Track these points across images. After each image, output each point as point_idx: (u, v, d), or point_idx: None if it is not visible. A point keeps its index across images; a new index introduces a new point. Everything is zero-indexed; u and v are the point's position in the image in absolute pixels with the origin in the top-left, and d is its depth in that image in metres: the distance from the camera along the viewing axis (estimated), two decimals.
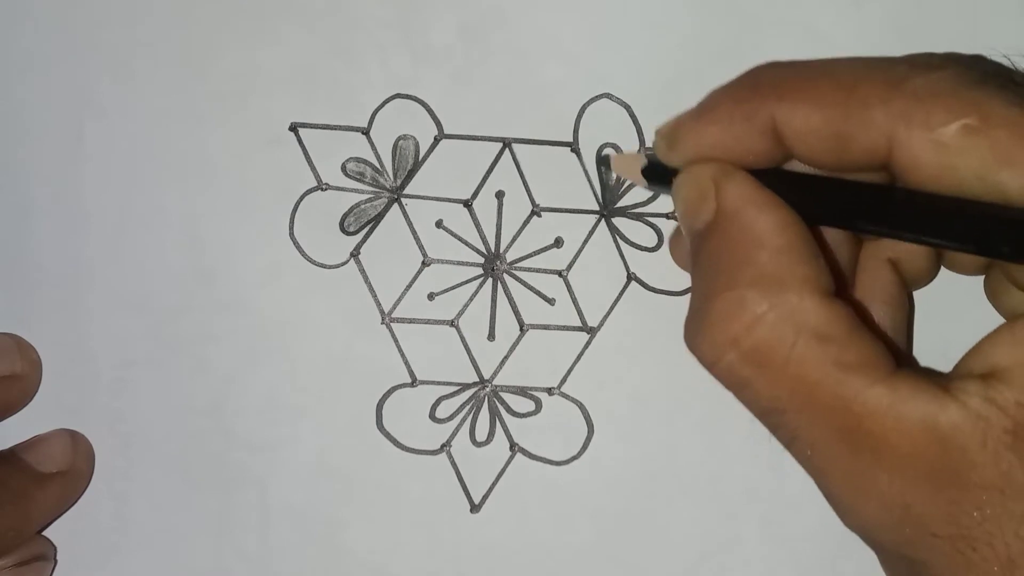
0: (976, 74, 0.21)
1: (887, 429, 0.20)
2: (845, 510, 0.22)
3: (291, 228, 0.33)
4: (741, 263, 0.22)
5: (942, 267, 0.27)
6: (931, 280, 0.27)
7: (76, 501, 0.33)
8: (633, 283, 0.33)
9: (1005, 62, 0.22)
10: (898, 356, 0.22)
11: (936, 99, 0.20)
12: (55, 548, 0.33)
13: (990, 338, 0.21)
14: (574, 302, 0.33)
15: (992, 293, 0.25)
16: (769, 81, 0.23)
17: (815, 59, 0.23)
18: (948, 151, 0.20)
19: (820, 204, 0.23)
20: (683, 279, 0.33)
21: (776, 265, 0.21)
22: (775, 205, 0.22)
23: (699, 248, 0.23)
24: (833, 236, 0.26)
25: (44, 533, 0.33)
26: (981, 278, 0.26)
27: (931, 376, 0.21)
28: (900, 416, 0.20)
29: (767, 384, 0.21)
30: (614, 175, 0.33)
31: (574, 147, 0.33)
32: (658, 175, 0.25)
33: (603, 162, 0.32)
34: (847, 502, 0.21)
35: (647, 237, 0.33)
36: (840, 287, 0.24)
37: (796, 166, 0.24)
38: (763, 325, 0.21)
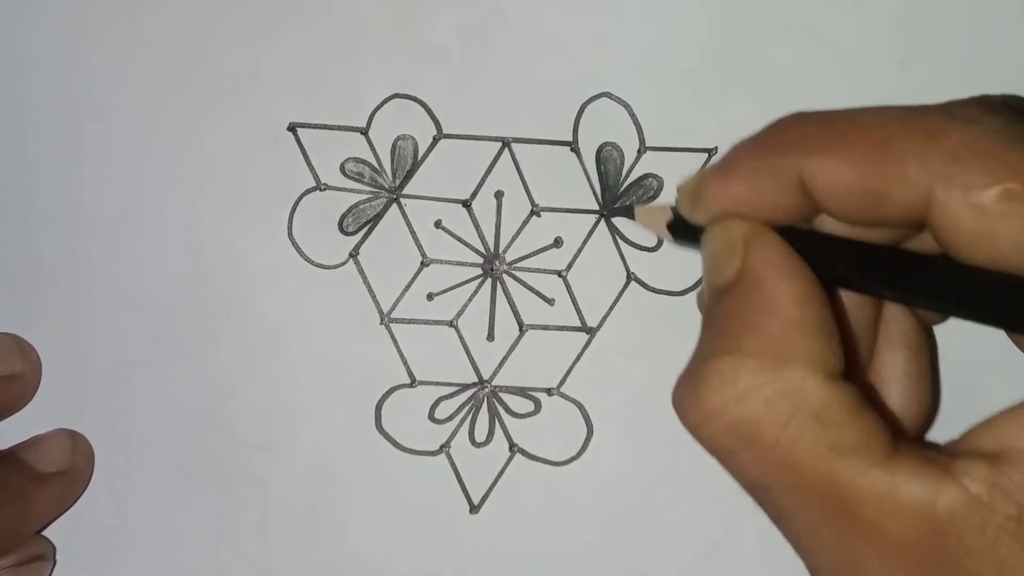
0: (1019, 128, 0.20)
1: (880, 514, 0.19)
2: None
3: (290, 228, 0.33)
4: (749, 329, 0.21)
5: None
6: (947, 319, 0.27)
7: (76, 501, 0.33)
8: (633, 283, 0.33)
9: None
10: (897, 433, 0.21)
11: (976, 158, 0.19)
12: (54, 548, 0.33)
13: (1004, 414, 0.20)
14: (573, 302, 0.33)
15: (1017, 340, 0.25)
16: (795, 134, 0.22)
17: (844, 109, 0.22)
18: (987, 216, 0.19)
19: (852, 269, 0.22)
20: (683, 279, 0.33)
21: (785, 338, 0.21)
22: (800, 276, 0.21)
23: (714, 305, 0.22)
24: (859, 301, 0.25)
25: (43, 533, 0.33)
26: None
27: (932, 456, 0.20)
28: (895, 501, 0.19)
29: (753, 459, 0.21)
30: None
31: (574, 147, 0.33)
32: (684, 230, 0.25)
33: (626, 212, 0.32)
34: None
35: (647, 237, 0.33)
36: (852, 361, 0.23)
37: (827, 223, 0.23)
38: (756, 398, 0.20)
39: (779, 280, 0.21)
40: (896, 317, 0.25)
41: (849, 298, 0.24)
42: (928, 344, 0.26)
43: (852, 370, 0.24)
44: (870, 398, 0.21)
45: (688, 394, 0.21)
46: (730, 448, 0.21)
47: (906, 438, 0.24)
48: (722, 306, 0.22)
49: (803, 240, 0.22)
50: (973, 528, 0.19)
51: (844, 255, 0.22)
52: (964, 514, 0.19)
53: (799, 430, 0.20)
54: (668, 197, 0.33)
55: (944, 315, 0.26)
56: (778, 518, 0.21)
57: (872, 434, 0.20)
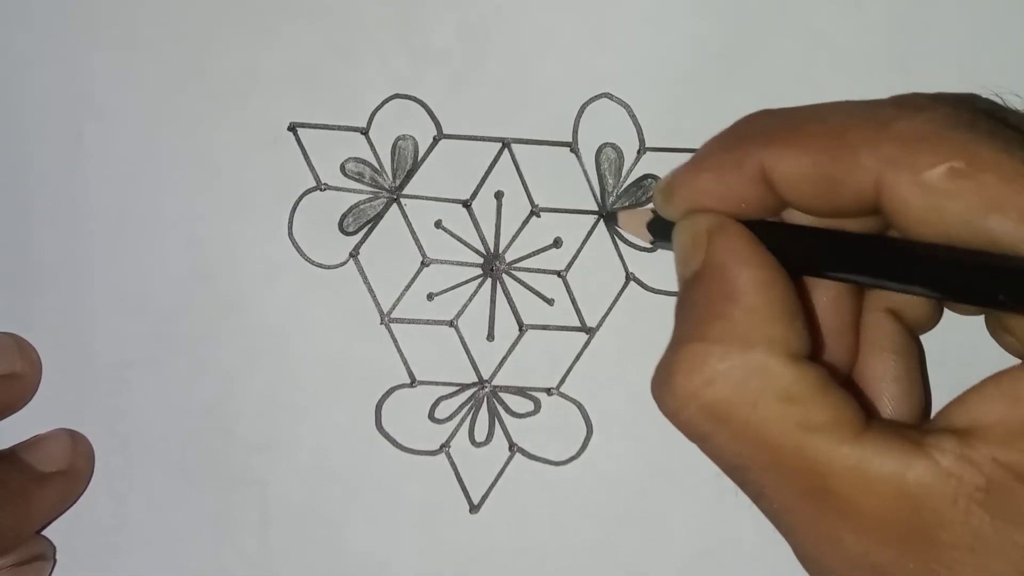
0: (966, 116, 0.20)
1: (853, 489, 0.20)
2: (813, 568, 0.21)
3: (290, 228, 0.33)
4: (714, 316, 0.22)
5: (945, 309, 0.27)
6: (936, 324, 0.27)
7: (76, 501, 0.33)
8: (632, 283, 0.33)
9: (997, 100, 0.22)
10: (871, 413, 0.21)
11: (922, 142, 0.20)
12: (54, 548, 0.33)
13: (973, 391, 0.21)
14: (573, 302, 0.33)
15: (993, 332, 0.25)
16: (757, 128, 0.23)
17: (804, 105, 0.23)
18: (935, 194, 0.20)
19: (814, 255, 0.23)
20: None
21: (747, 323, 0.21)
22: (761, 263, 0.22)
23: (683, 295, 0.23)
24: (838, 293, 0.25)
25: (43, 533, 0.33)
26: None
27: (904, 432, 0.20)
28: (867, 476, 0.20)
29: (729, 440, 0.21)
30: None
31: (573, 147, 0.33)
32: (662, 230, 0.25)
33: (611, 219, 0.32)
34: (815, 561, 0.21)
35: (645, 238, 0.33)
36: (818, 348, 0.24)
37: (794, 216, 0.24)
38: (724, 382, 0.21)
39: (741, 268, 0.22)
40: (880, 322, 0.26)
41: (824, 295, 0.25)
42: (915, 348, 0.27)
43: (820, 356, 0.24)
44: (842, 382, 0.22)
45: (662, 383, 0.22)
46: (706, 431, 0.22)
47: (879, 418, 0.24)
48: (689, 296, 0.23)
49: (768, 232, 0.23)
50: (944, 500, 0.19)
51: (807, 242, 0.23)
52: (935, 486, 0.19)
53: (767, 409, 0.21)
54: None
55: (934, 319, 0.27)
56: (758, 497, 0.22)
57: (841, 412, 0.21)
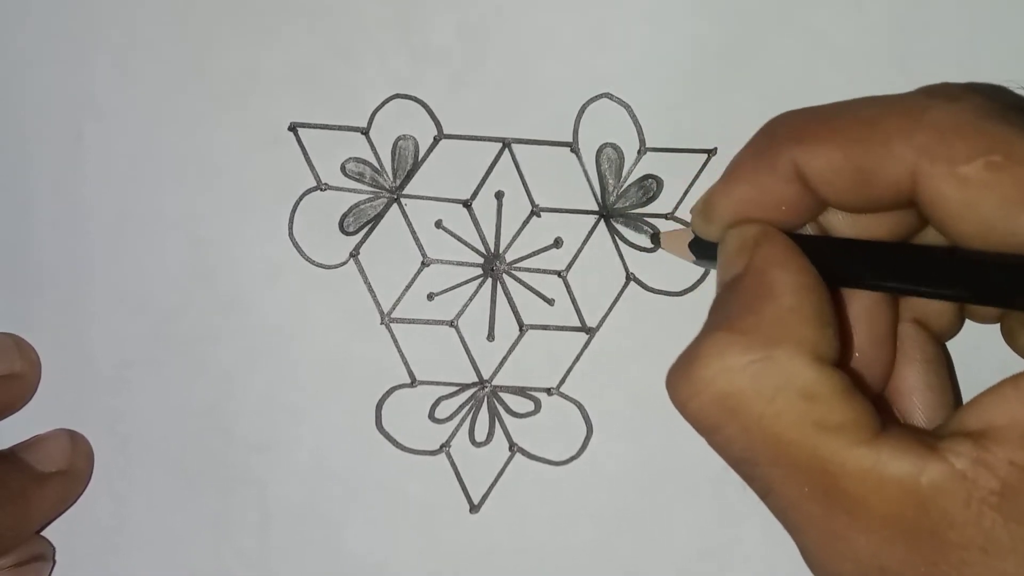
0: (997, 107, 0.20)
1: (865, 490, 0.20)
2: (819, 567, 0.21)
3: (290, 228, 0.33)
4: (745, 311, 0.22)
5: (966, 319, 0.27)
6: (957, 332, 0.27)
7: (75, 501, 0.33)
8: (632, 283, 0.33)
9: (1022, 93, 0.22)
10: (890, 419, 0.21)
11: (958, 132, 0.20)
12: (54, 548, 0.33)
13: (988, 393, 0.20)
14: (573, 302, 0.33)
15: (1009, 338, 0.25)
16: (786, 127, 0.23)
17: (832, 103, 0.23)
18: (972, 187, 0.20)
19: (852, 264, 0.23)
20: (682, 280, 0.33)
21: (778, 320, 0.21)
22: (800, 268, 0.22)
23: (719, 296, 0.23)
24: (874, 304, 0.25)
25: (43, 533, 0.33)
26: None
27: (920, 436, 0.20)
28: (880, 477, 0.20)
29: (738, 433, 0.21)
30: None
31: (574, 147, 0.33)
32: (704, 248, 0.26)
33: (654, 240, 0.32)
34: (821, 560, 0.21)
35: (646, 238, 0.33)
36: (847, 358, 0.24)
37: (834, 221, 0.24)
38: (743, 373, 0.21)
39: (780, 271, 0.22)
40: (908, 332, 0.26)
41: (861, 305, 0.25)
42: (944, 356, 0.27)
43: (847, 365, 0.24)
44: (863, 390, 0.22)
45: (680, 370, 0.22)
46: (716, 423, 0.21)
47: (895, 422, 0.24)
48: (726, 296, 0.23)
49: (808, 244, 0.23)
50: (957, 502, 0.19)
51: (845, 252, 0.23)
52: (948, 488, 0.19)
53: (785, 405, 0.21)
54: (667, 198, 0.33)
55: (957, 327, 0.27)
56: (765, 494, 0.22)
57: (859, 415, 0.21)
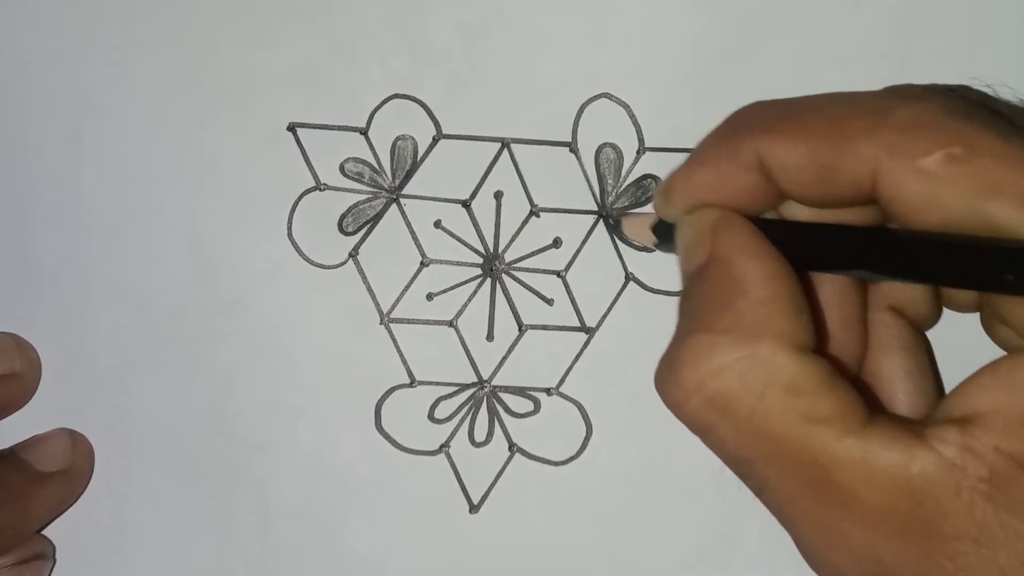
0: (961, 104, 0.21)
1: (857, 482, 0.20)
2: (816, 562, 0.21)
3: (289, 228, 0.33)
4: (720, 308, 0.22)
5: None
6: (936, 321, 0.27)
7: (75, 500, 0.33)
8: (631, 283, 0.33)
9: (988, 91, 0.22)
10: (876, 407, 0.21)
11: (920, 129, 0.20)
12: (54, 547, 0.33)
13: (971, 380, 0.20)
14: (572, 302, 0.33)
15: (988, 328, 0.25)
16: (752, 117, 0.23)
17: (799, 96, 0.23)
18: (933, 181, 0.20)
19: (816, 249, 0.23)
20: None
21: (754, 315, 0.21)
22: (767, 256, 0.22)
23: (687, 289, 0.23)
24: (842, 288, 0.25)
25: (43, 532, 0.33)
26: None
27: (907, 425, 0.20)
28: (870, 468, 0.20)
29: (733, 432, 0.21)
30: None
31: (573, 147, 0.33)
32: (666, 233, 0.26)
33: (615, 224, 0.32)
34: (818, 554, 0.21)
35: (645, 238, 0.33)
36: (823, 342, 0.24)
37: (793, 211, 0.24)
38: (730, 373, 0.21)
39: (747, 260, 0.22)
40: (885, 320, 0.26)
41: (829, 289, 0.25)
42: (923, 343, 0.27)
43: (824, 350, 0.24)
44: (845, 375, 0.22)
45: (667, 374, 0.22)
46: (710, 423, 0.22)
47: (882, 411, 0.24)
48: (694, 289, 0.23)
49: (770, 228, 0.23)
50: (948, 491, 0.19)
51: (809, 237, 0.23)
52: (938, 478, 0.19)
53: (772, 401, 0.21)
54: None
55: (935, 315, 0.27)
56: (760, 490, 0.22)
57: (845, 404, 0.21)
